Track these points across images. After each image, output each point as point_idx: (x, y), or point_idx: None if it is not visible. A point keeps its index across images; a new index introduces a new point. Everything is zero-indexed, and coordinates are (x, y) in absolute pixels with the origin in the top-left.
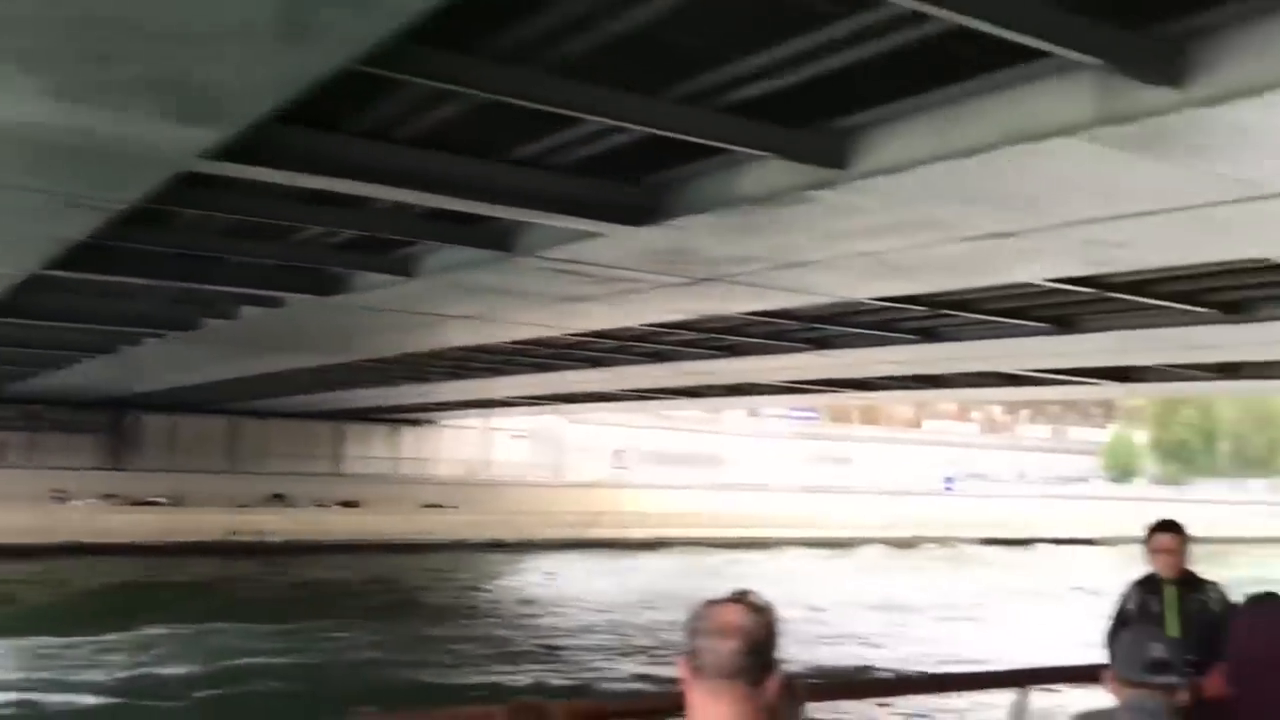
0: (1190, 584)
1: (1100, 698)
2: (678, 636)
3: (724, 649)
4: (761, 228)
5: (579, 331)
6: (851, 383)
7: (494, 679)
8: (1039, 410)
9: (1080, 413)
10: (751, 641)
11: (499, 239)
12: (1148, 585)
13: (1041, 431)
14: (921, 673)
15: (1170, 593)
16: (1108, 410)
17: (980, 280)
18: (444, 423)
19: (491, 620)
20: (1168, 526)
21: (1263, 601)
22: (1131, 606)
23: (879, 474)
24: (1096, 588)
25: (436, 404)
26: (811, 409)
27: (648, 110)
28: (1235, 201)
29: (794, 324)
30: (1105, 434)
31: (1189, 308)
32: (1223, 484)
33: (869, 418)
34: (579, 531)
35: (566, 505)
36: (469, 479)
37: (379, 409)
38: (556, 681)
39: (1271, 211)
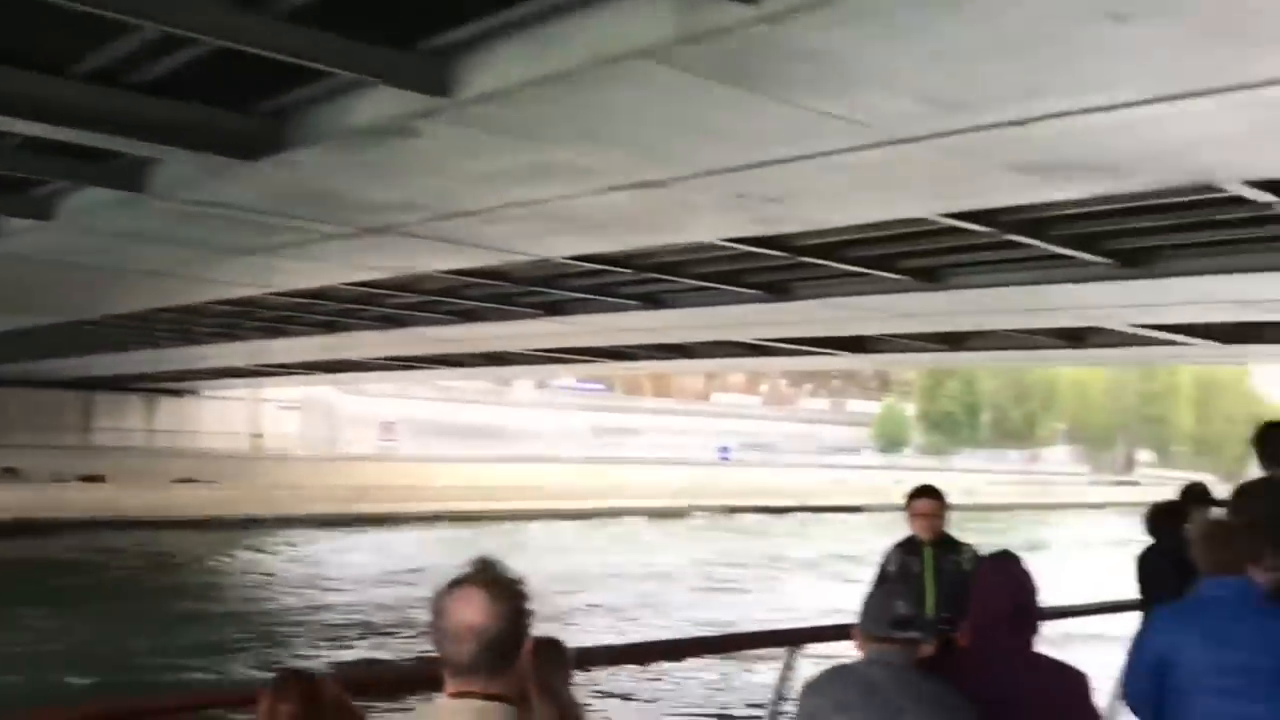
0: (947, 545)
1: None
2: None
3: (463, 650)
4: (388, 166)
5: (285, 291)
6: (605, 352)
7: (199, 668)
8: (821, 384)
9: (860, 386)
10: (488, 641)
11: (127, 177)
12: (908, 547)
13: (821, 404)
14: (697, 636)
15: (928, 554)
16: (883, 383)
17: (661, 237)
18: (208, 393)
19: (218, 602)
20: (926, 492)
21: (998, 559)
22: (892, 567)
23: (665, 445)
24: (860, 554)
25: (200, 371)
26: (599, 381)
27: (218, 21)
28: (857, 149)
29: (512, 286)
30: (879, 406)
31: (885, 274)
32: (983, 454)
33: (661, 390)
34: (344, 507)
35: (332, 479)
36: (231, 452)
37: (136, 377)
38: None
39: (886, 160)
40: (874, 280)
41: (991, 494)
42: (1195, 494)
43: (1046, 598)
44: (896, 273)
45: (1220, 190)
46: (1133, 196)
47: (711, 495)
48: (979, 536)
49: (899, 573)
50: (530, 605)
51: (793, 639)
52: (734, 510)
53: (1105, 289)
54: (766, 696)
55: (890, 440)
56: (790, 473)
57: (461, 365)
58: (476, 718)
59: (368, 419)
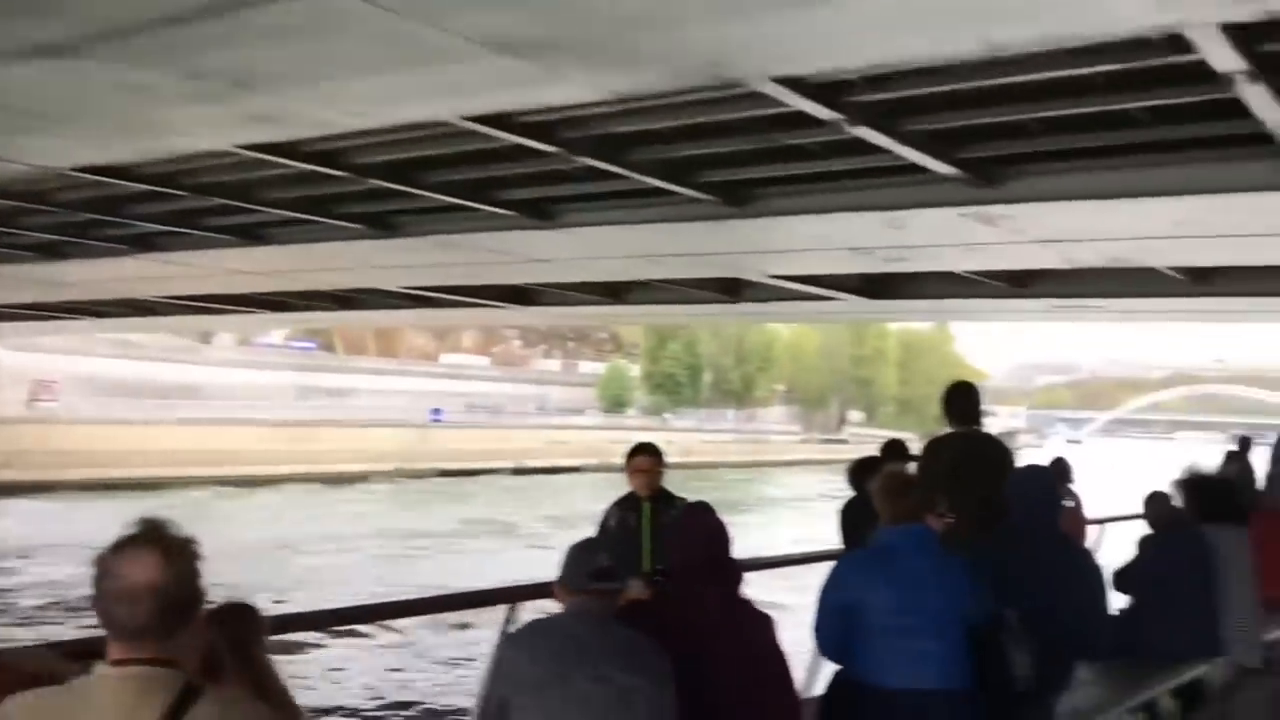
0: (664, 501)
1: None
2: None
3: (136, 612)
4: None
5: None
6: (272, 301)
7: None
8: (557, 345)
9: (594, 347)
10: (163, 601)
11: None
12: (627, 503)
13: (554, 365)
14: (412, 598)
15: (646, 509)
16: (618, 345)
17: (154, 143)
18: None
19: None
20: (644, 449)
21: (693, 511)
22: (612, 523)
23: (384, 407)
24: (574, 515)
25: None
26: (312, 340)
27: None
28: None
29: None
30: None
31: (488, 208)
32: (703, 414)
33: (386, 350)
34: None
35: None
36: None
37: None
38: None
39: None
40: (478, 215)
41: (707, 453)
42: (894, 450)
43: (762, 549)
44: (499, 206)
45: (782, 104)
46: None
47: (422, 458)
48: (699, 495)
49: (618, 527)
50: (202, 566)
51: (511, 596)
52: (445, 474)
53: (711, 230)
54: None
55: (614, 401)
56: (509, 434)
57: (99, 315)
58: (144, 686)
59: (30, 376)
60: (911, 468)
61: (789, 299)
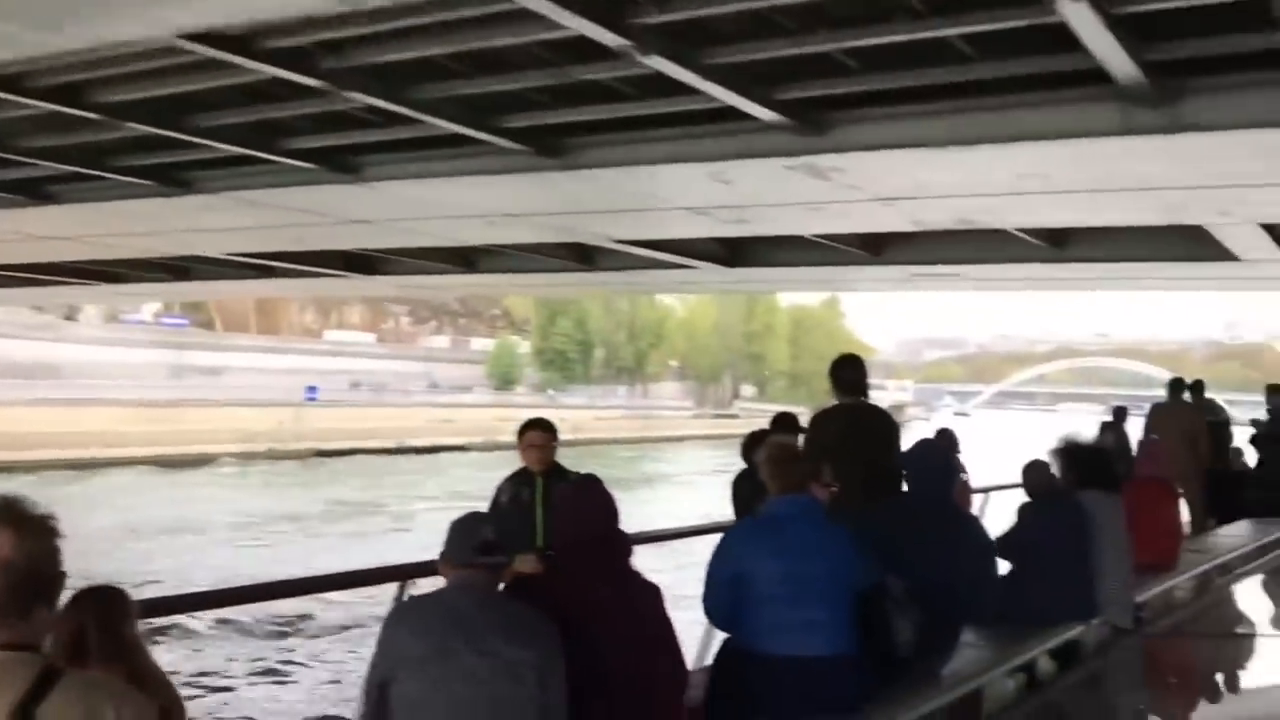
0: (557, 475)
1: None
2: None
3: None
4: None
5: None
6: (98, 272)
7: None
8: (449, 321)
9: (487, 323)
10: (18, 578)
11: None
12: (520, 478)
13: (443, 342)
14: (298, 577)
15: (540, 484)
16: (511, 322)
17: None
18: None
19: None
20: (536, 424)
21: (580, 484)
22: (505, 498)
23: (264, 386)
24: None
25: None
26: (185, 316)
27: None
28: None
29: None
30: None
31: (284, 160)
32: (595, 391)
33: (268, 327)
34: None
35: None
36: None
37: None
38: None
39: None
40: (276, 168)
41: (598, 429)
42: (783, 423)
43: (653, 525)
44: (293, 157)
45: (557, 25)
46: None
47: (296, 439)
48: (596, 467)
49: (511, 503)
50: (61, 544)
51: (403, 574)
52: (321, 454)
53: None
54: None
55: (503, 378)
56: (392, 413)
57: None
58: None
59: None
60: (800, 440)
61: (645, 267)
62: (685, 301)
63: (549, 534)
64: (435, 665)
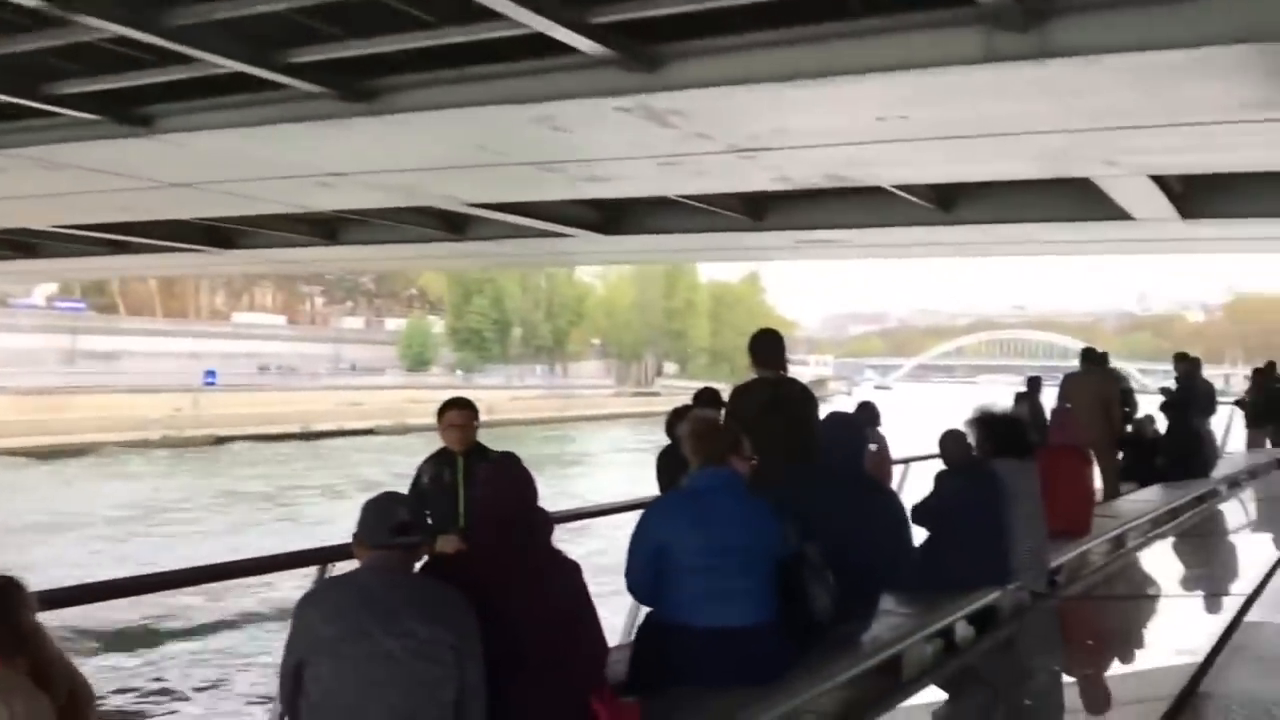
0: (479, 455)
1: None
2: None
3: None
4: None
5: None
6: None
7: None
8: (366, 302)
9: (405, 304)
10: None
11: None
12: (441, 458)
13: (358, 323)
14: (218, 563)
15: (461, 463)
16: (425, 300)
17: None
18: None
19: None
20: (456, 404)
21: (499, 463)
22: (426, 479)
23: (156, 371)
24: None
25: None
26: (80, 300)
27: None
28: None
29: None
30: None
31: (70, 113)
32: (514, 370)
33: (175, 310)
34: None
35: None
36: None
37: None
38: None
39: None
40: (56, 121)
41: (515, 410)
42: (706, 398)
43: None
44: (66, 105)
45: None
46: None
47: (193, 425)
48: (517, 446)
49: (432, 483)
50: None
51: (323, 557)
52: (221, 441)
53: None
54: None
55: (416, 359)
56: (298, 396)
57: None
58: None
59: None
60: (722, 414)
61: (518, 236)
62: (605, 279)
63: (471, 513)
64: (349, 647)
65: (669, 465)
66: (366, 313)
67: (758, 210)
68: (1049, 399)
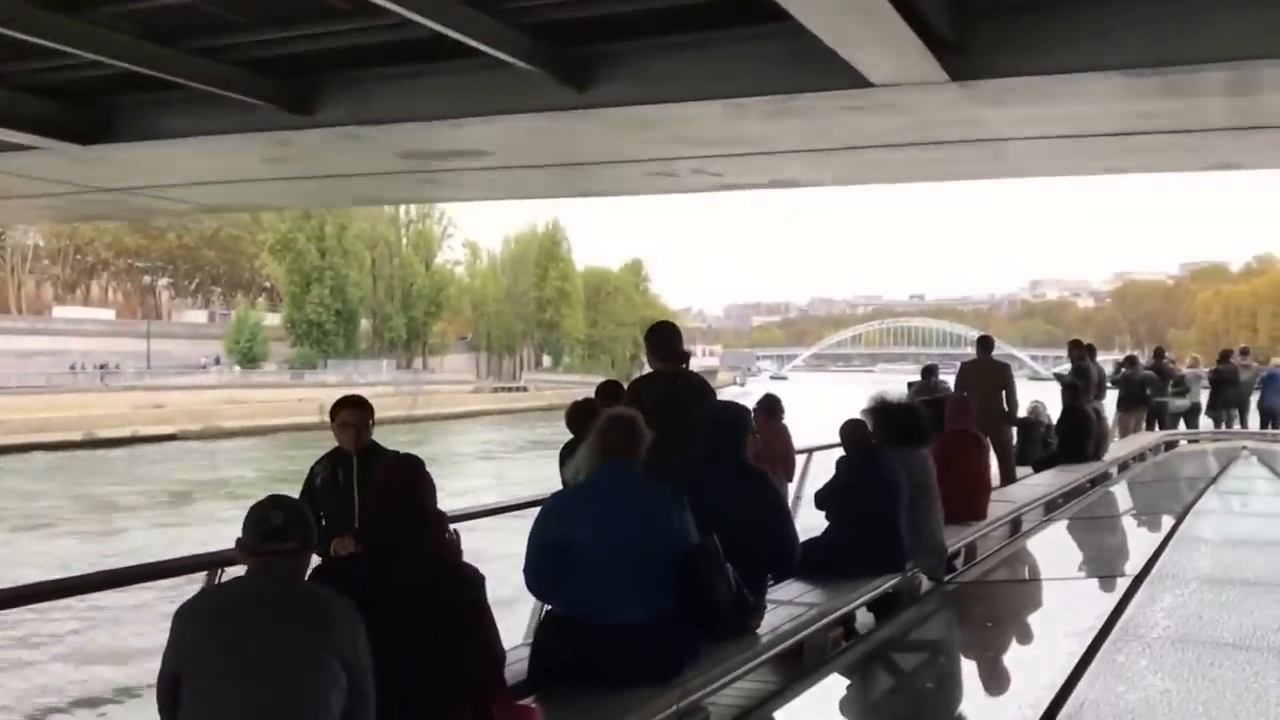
0: (373, 454)
1: None
2: None
3: None
4: None
5: None
6: None
7: None
8: (218, 295)
9: (256, 295)
10: None
11: None
12: (335, 457)
13: (200, 316)
14: (109, 569)
15: (355, 463)
16: (271, 294)
17: None
18: None
19: None
20: (349, 402)
21: (393, 463)
22: (320, 479)
23: None
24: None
25: None
26: None
27: None
28: None
29: None
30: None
31: None
32: (365, 366)
33: None
34: None
35: None
36: None
37: None
38: None
39: None
40: None
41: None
42: (608, 391)
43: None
44: None
45: None
46: None
47: None
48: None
49: (326, 483)
50: None
51: (214, 562)
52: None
53: None
54: None
55: (245, 354)
56: (85, 399)
57: None
58: None
59: None
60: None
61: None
62: (471, 268)
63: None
64: (227, 659)
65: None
66: (217, 306)
67: (304, 101)
68: (945, 386)
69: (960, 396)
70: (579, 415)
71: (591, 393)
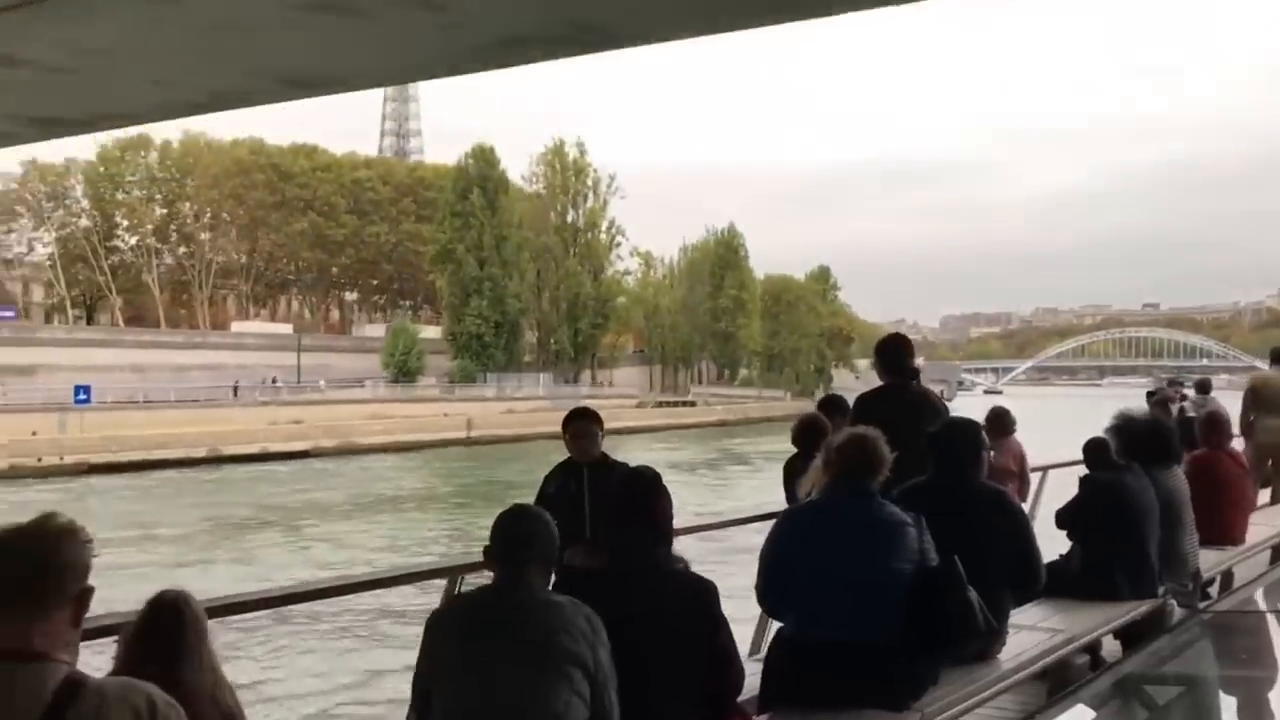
0: (604, 467)
1: None
2: None
3: None
4: None
5: None
6: None
7: None
8: (397, 307)
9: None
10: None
11: None
12: (567, 469)
13: (379, 330)
14: (358, 579)
15: (586, 474)
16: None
17: None
18: None
19: None
20: (580, 415)
21: (632, 477)
22: (552, 489)
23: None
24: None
25: None
26: (9, 307)
27: None
28: None
29: None
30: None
31: None
32: (528, 379)
33: (180, 320)
34: None
35: None
36: None
37: None
38: None
39: None
40: None
41: (501, 424)
42: (833, 405)
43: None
44: None
45: None
46: None
47: (55, 450)
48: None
49: (557, 494)
50: (86, 554)
51: (455, 570)
52: (95, 469)
53: None
54: None
55: (400, 368)
56: (217, 414)
57: None
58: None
59: None
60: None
61: None
62: (644, 279)
63: (596, 526)
64: (471, 667)
65: (796, 476)
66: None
67: None
68: (1228, 403)
69: (1216, 411)
70: (806, 431)
71: (766, 408)
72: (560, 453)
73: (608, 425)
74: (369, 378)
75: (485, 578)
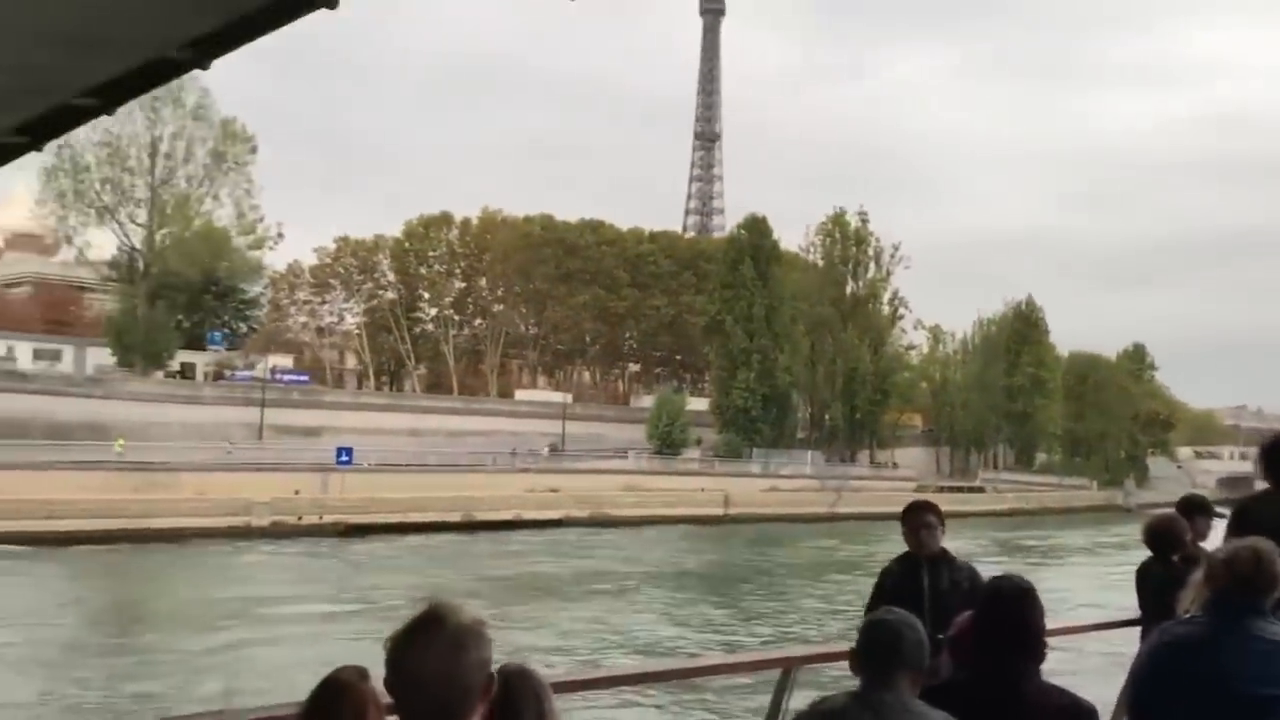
0: (943, 562)
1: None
2: None
3: (424, 699)
4: None
5: None
6: None
7: None
8: (680, 379)
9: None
10: (445, 690)
11: None
12: (906, 563)
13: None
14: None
15: (925, 570)
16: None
17: None
18: None
19: None
20: (920, 508)
21: (1004, 581)
22: (890, 583)
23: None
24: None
25: None
26: (304, 372)
27: None
28: None
29: None
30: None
31: None
32: (801, 456)
33: (475, 388)
34: None
35: None
36: None
37: None
38: None
39: None
40: None
41: (760, 503)
42: (1194, 505)
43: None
44: None
45: None
46: None
47: (316, 510)
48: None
49: (895, 589)
50: (487, 648)
51: (789, 661)
52: (350, 531)
53: None
54: None
55: (664, 439)
56: (472, 480)
57: None
58: None
59: None
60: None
61: None
62: (930, 354)
63: (936, 624)
64: None
65: (1154, 584)
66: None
67: None
68: None
69: None
70: (1163, 533)
71: (1066, 498)
72: (824, 537)
73: (874, 509)
74: (634, 448)
75: (815, 671)
